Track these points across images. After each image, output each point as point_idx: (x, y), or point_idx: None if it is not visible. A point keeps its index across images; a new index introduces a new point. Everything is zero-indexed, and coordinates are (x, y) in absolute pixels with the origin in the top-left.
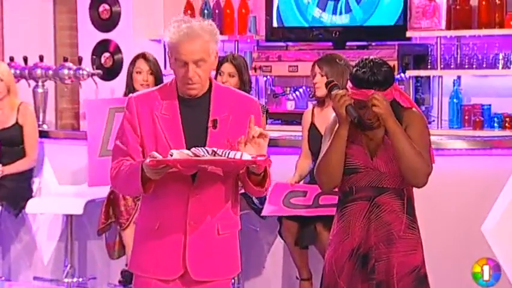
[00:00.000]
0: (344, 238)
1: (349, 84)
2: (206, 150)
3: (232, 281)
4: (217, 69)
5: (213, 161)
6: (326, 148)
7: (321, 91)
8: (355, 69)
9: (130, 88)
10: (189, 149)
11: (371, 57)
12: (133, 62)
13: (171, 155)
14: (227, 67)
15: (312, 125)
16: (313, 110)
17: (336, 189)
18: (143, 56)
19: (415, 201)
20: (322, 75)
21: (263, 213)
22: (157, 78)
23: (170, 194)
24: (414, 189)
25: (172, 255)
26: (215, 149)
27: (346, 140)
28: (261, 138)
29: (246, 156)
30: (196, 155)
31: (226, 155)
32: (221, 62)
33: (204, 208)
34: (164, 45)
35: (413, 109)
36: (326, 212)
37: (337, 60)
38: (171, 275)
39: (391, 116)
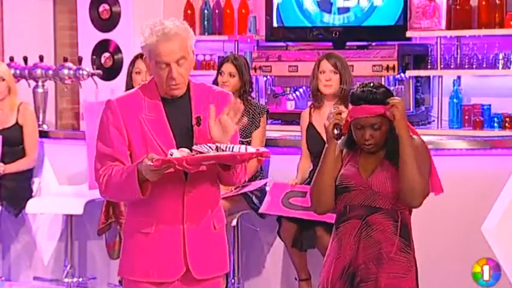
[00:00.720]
0: (336, 257)
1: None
2: (209, 146)
3: (233, 281)
4: (218, 69)
5: (219, 157)
6: (316, 171)
7: (331, 89)
8: (355, 88)
9: (130, 88)
10: (179, 148)
11: (374, 81)
12: (132, 62)
13: (171, 154)
14: (228, 67)
15: (310, 124)
16: (310, 111)
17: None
18: (142, 56)
19: (411, 226)
20: (335, 73)
21: (261, 210)
22: None
23: (164, 194)
24: (412, 210)
25: (173, 256)
26: (218, 145)
27: (335, 158)
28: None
29: (250, 149)
30: (200, 152)
31: (231, 149)
32: (222, 62)
33: (199, 205)
34: None
35: (415, 137)
36: (322, 217)
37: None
38: (172, 276)
39: (405, 124)
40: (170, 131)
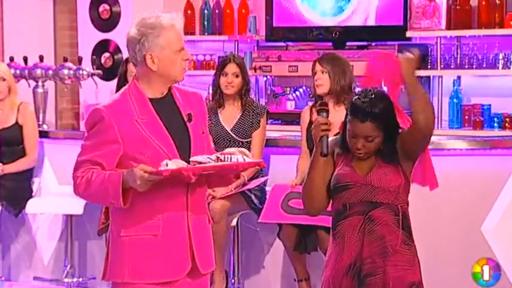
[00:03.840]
0: (340, 254)
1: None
2: (208, 157)
3: (233, 281)
4: (220, 70)
5: (219, 167)
6: (306, 173)
7: (322, 89)
8: (356, 97)
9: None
10: (177, 146)
11: (375, 90)
12: (125, 65)
13: (166, 165)
14: (232, 67)
15: (310, 122)
16: (311, 109)
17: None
18: None
19: (413, 204)
20: (323, 73)
21: (260, 220)
22: None
23: (168, 196)
24: (413, 189)
25: (181, 254)
26: (218, 155)
27: (324, 164)
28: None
29: (248, 160)
30: (200, 163)
31: (229, 159)
32: (224, 63)
33: (199, 202)
34: None
35: None
36: (322, 222)
37: (339, 58)
38: (181, 274)
39: (413, 71)
40: (166, 131)
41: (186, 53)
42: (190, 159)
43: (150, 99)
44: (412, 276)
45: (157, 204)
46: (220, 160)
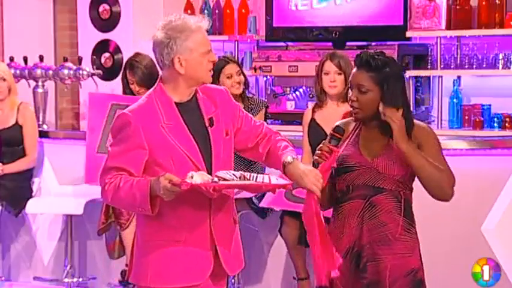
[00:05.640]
0: (339, 237)
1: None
2: (233, 174)
3: (233, 281)
4: (219, 73)
5: (244, 186)
6: None
7: (335, 90)
8: (361, 53)
9: (127, 92)
10: (201, 151)
11: (386, 55)
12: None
13: (192, 177)
14: (233, 68)
15: (313, 120)
16: (313, 108)
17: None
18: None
19: (413, 203)
20: (339, 74)
21: (261, 204)
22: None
23: (192, 200)
24: (413, 188)
25: (205, 257)
26: (243, 173)
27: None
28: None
29: (274, 180)
30: (224, 179)
31: (255, 178)
32: (223, 65)
33: (222, 205)
34: None
35: (422, 124)
36: (325, 213)
37: (347, 56)
38: (201, 278)
39: (404, 137)
40: (191, 137)
41: (213, 55)
42: (215, 173)
43: (176, 104)
44: (411, 263)
45: (182, 210)
46: (246, 178)
